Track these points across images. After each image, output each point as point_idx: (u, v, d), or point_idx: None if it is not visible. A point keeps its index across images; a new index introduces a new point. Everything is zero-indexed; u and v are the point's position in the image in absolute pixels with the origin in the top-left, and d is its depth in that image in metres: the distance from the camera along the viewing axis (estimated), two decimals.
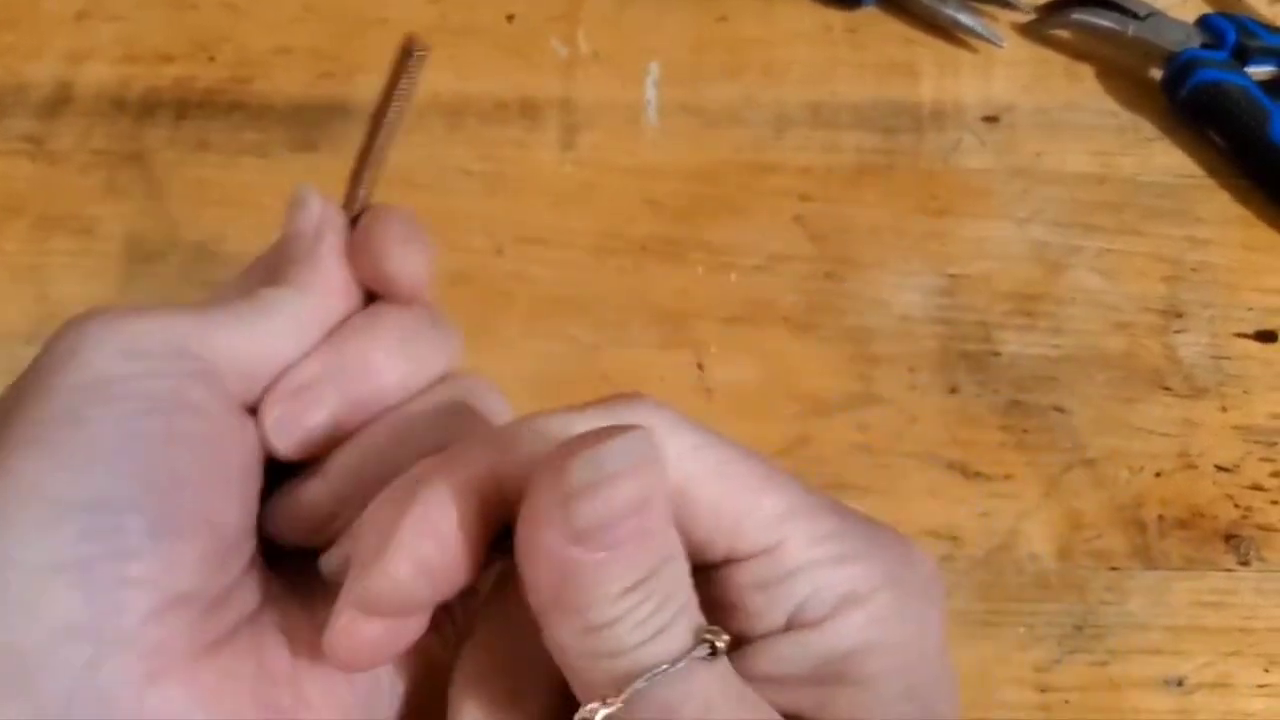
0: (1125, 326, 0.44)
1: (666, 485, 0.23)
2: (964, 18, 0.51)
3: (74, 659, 0.23)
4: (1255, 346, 0.43)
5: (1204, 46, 0.49)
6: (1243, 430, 0.41)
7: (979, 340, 0.43)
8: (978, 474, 0.40)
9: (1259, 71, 0.49)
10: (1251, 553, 0.39)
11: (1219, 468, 0.41)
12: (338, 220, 0.30)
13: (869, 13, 0.53)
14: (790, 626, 0.24)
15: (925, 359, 0.43)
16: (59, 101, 0.49)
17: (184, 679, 0.24)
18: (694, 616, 0.23)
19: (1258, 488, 0.40)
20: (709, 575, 0.25)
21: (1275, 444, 0.41)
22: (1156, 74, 0.51)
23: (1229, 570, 0.38)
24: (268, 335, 0.28)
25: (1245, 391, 0.42)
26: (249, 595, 0.27)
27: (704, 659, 0.23)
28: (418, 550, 0.23)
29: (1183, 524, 0.39)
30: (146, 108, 0.49)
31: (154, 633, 0.24)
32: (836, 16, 0.53)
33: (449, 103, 0.49)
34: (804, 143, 0.48)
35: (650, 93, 0.50)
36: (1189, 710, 0.36)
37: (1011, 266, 0.45)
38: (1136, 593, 0.38)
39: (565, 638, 0.22)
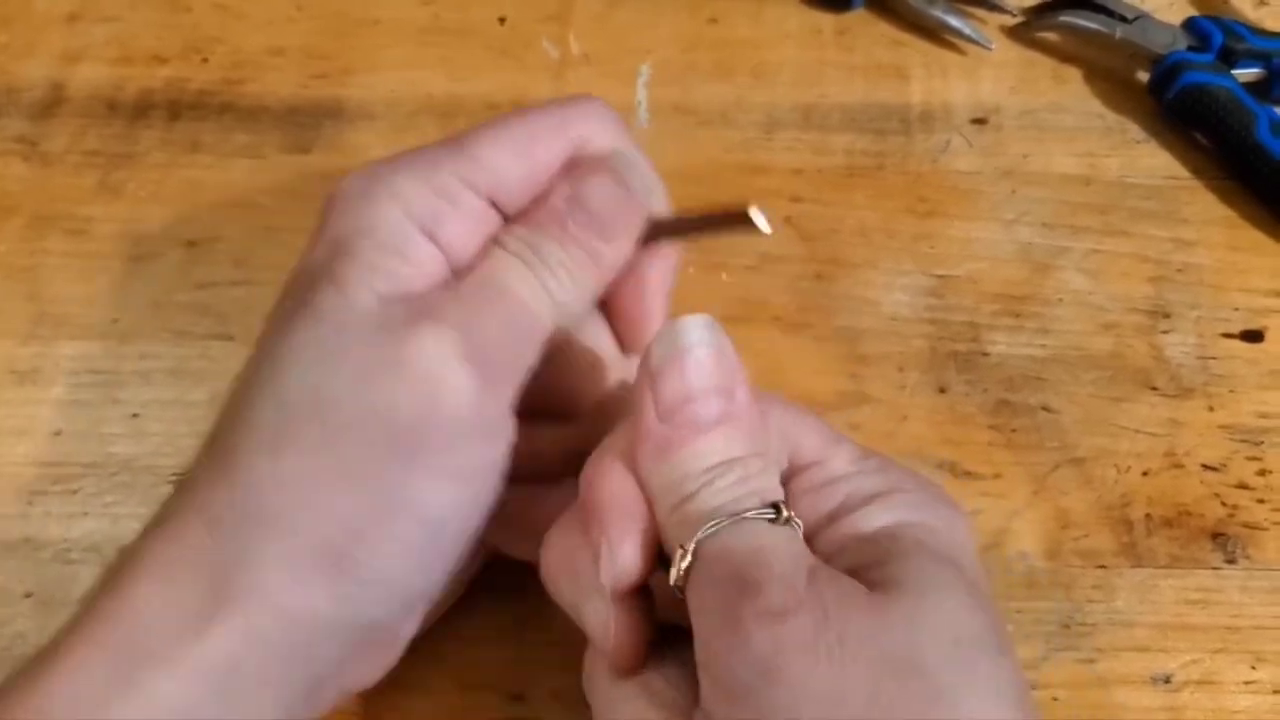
0: (1112, 327, 0.44)
1: (746, 379, 0.28)
2: (952, 20, 0.51)
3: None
4: (1241, 346, 0.44)
5: (1190, 49, 0.50)
6: (1229, 429, 0.42)
7: (968, 340, 0.43)
8: (967, 473, 0.40)
9: (1245, 74, 0.50)
10: (1238, 551, 0.39)
11: (1205, 466, 0.41)
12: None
13: (858, 15, 0.53)
14: (834, 519, 0.29)
15: (914, 359, 0.43)
16: (52, 102, 0.49)
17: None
18: (769, 495, 0.28)
19: (1244, 486, 0.40)
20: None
21: (1261, 443, 0.41)
22: (1143, 76, 0.51)
23: (1215, 568, 0.39)
24: None
25: (1231, 391, 0.42)
26: None
27: (769, 520, 0.27)
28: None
29: (1169, 522, 0.40)
30: (139, 109, 0.49)
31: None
32: (826, 19, 0.53)
33: (441, 104, 0.49)
34: (794, 144, 0.49)
35: (641, 94, 0.50)
36: (1176, 707, 0.36)
37: (999, 267, 0.45)
38: (1123, 591, 0.38)
39: (657, 494, 0.28)
